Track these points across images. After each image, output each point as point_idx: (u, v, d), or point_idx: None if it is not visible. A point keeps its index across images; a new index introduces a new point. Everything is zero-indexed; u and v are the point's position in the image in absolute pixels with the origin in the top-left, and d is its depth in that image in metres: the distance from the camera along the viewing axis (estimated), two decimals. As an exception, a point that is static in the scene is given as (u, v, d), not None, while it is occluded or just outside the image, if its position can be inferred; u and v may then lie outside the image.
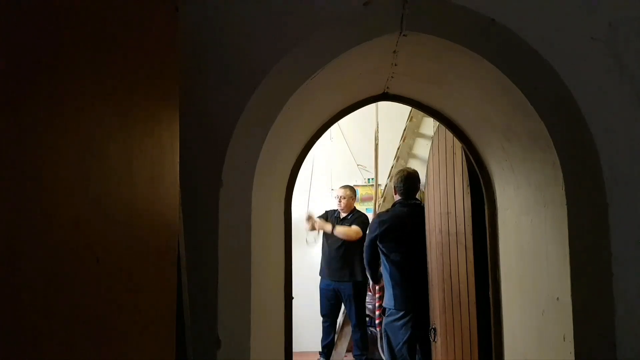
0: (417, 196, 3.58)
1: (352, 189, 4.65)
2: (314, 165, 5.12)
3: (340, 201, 4.57)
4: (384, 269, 3.50)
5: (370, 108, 4.50)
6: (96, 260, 0.77)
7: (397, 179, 3.52)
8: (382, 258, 3.47)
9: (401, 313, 3.36)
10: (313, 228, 4.62)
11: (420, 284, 3.23)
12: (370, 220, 4.29)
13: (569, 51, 1.35)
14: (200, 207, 1.40)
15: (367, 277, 4.52)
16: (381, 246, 3.42)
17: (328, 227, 4.43)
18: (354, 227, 4.36)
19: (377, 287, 4.41)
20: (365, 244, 3.63)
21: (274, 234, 1.94)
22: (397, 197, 3.55)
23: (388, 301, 3.45)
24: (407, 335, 3.34)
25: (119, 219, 0.86)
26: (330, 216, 4.71)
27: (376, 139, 4.73)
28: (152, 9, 1.03)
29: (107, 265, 0.81)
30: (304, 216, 4.61)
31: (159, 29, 1.07)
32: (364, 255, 3.66)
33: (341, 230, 4.37)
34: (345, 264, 4.41)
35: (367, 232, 3.69)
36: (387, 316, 3.47)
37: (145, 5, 1.00)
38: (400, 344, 3.36)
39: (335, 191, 4.82)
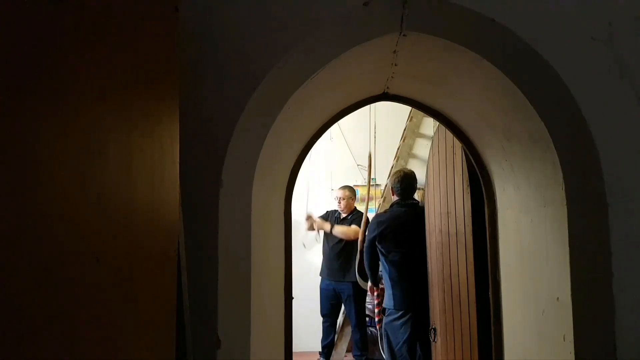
0: (416, 196, 3.58)
1: (351, 190, 4.65)
2: (314, 165, 5.10)
3: (339, 202, 4.58)
4: (383, 270, 3.51)
5: (371, 108, 4.50)
6: (96, 260, 0.77)
7: (394, 179, 3.52)
8: (381, 259, 3.47)
9: (400, 312, 3.36)
10: (312, 228, 4.62)
11: (420, 284, 3.23)
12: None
13: (569, 51, 1.35)
14: (200, 207, 1.40)
15: (366, 276, 4.53)
16: (380, 247, 3.43)
17: (327, 226, 4.45)
18: (353, 227, 4.36)
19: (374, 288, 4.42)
20: (365, 245, 3.63)
21: (274, 233, 1.94)
22: (394, 198, 3.56)
23: (387, 301, 3.45)
24: (407, 334, 3.34)
25: (118, 219, 0.86)
26: (330, 216, 4.71)
27: (373, 138, 4.69)
28: (152, 9, 1.03)
29: (107, 265, 0.81)
30: (304, 216, 4.60)
31: (159, 29, 1.07)
32: (364, 256, 3.66)
33: (340, 230, 4.39)
34: (344, 264, 4.41)
35: (366, 233, 3.69)
36: (387, 316, 3.47)
37: (145, 5, 1.00)
38: (400, 343, 3.37)
39: (334, 192, 4.82)
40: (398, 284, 3.35)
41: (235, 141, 1.42)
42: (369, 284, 3.84)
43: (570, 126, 1.40)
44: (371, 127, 4.66)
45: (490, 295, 2.11)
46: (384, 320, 3.53)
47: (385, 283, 3.47)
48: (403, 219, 3.38)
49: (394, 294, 3.37)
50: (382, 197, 4.95)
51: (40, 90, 0.65)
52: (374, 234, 3.42)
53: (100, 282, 0.79)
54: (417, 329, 3.31)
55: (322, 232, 4.68)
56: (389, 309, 3.43)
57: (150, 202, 1.00)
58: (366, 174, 5.26)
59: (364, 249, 3.64)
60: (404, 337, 3.35)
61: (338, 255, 4.44)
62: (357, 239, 4.29)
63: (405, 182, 3.46)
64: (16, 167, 0.60)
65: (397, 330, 3.38)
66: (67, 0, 0.72)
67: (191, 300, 1.33)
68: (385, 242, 3.40)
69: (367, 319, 4.65)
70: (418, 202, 3.52)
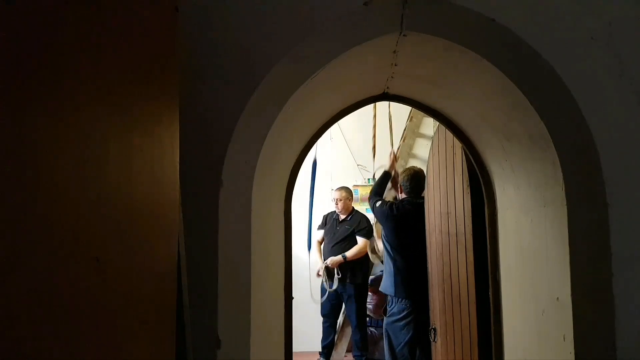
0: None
1: (348, 190, 4.66)
2: (314, 166, 5.10)
3: (337, 204, 4.58)
4: (387, 258, 3.50)
5: (370, 108, 4.49)
6: (96, 260, 0.77)
7: (404, 177, 3.52)
8: (387, 246, 3.47)
9: (404, 313, 3.36)
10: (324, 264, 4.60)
11: (422, 284, 3.23)
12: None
13: (569, 51, 1.35)
14: (200, 207, 1.40)
15: (367, 279, 4.54)
16: (385, 235, 3.43)
17: (340, 259, 4.43)
18: (361, 243, 4.39)
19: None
20: (377, 207, 3.56)
21: (274, 233, 1.94)
22: (402, 195, 3.56)
23: (388, 287, 3.43)
24: (409, 335, 3.34)
25: (119, 219, 0.86)
26: (329, 219, 4.72)
27: (391, 135, 4.59)
28: (152, 9, 1.03)
29: (107, 265, 0.81)
30: (318, 269, 4.54)
31: (159, 29, 1.07)
32: (375, 196, 3.60)
33: (352, 254, 4.39)
34: (346, 268, 4.41)
35: (377, 204, 3.59)
36: (389, 316, 3.46)
37: (145, 5, 1.00)
38: (402, 344, 3.36)
39: (332, 193, 4.82)
40: (401, 273, 3.37)
41: (235, 141, 1.42)
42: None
43: (570, 126, 1.40)
44: (387, 122, 4.57)
45: (490, 295, 2.11)
46: (385, 320, 3.52)
47: (388, 271, 3.47)
48: (411, 218, 3.38)
49: (395, 282, 3.37)
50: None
51: (40, 90, 0.65)
52: (387, 206, 3.42)
53: (100, 282, 0.79)
54: (419, 330, 3.31)
55: (326, 242, 4.69)
56: (390, 296, 3.44)
57: (150, 202, 1.00)
58: (366, 173, 5.27)
59: (375, 207, 3.57)
60: (406, 338, 3.35)
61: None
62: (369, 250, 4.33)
63: (414, 180, 3.46)
64: (16, 167, 0.60)
65: (399, 331, 3.38)
66: (68, 0, 0.72)
67: (191, 300, 1.33)
68: (393, 236, 3.41)
69: (367, 319, 4.65)
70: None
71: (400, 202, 3.57)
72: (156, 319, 1.02)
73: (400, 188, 3.57)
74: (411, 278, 3.34)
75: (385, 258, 3.53)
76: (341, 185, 4.77)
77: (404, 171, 3.65)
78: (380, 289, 3.63)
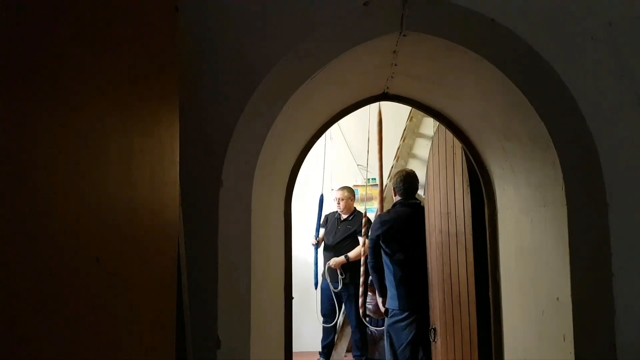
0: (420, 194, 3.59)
1: (350, 190, 4.65)
2: (313, 165, 5.09)
3: (339, 203, 4.58)
4: (386, 270, 3.49)
5: (370, 108, 4.49)
6: (96, 260, 0.77)
7: (396, 179, 3.53)
8: (385, 259, 3.46)
9: (405, 314, 3.35)
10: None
11: (424, 285, 3.23)
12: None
13: (569, 51, 1.35)
14: (200, 207, 1.40)
15: (367, 279, 4.53)
16: (384, 246, 3.42)
17: (342, 259, 4.45)
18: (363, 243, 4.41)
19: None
20: (368, 245, 3.62)
21: (274, 233, 1.94)
22: (396, 198, 3.56)
23: (392, 302, 3.43)
24: (411, 336, 3.33)
25: (119, 219, 0.86)
26: (330, 219, 4.71)
27: (380, 138, 4.62)
28: (152, 9, 1.03)
29: (107, 265, 0.81)
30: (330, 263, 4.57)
31: (158, 29, 1.07)
32: (369, 257, 3.65)
33: (355, 254, 4.41)
34: (347, 268, 4.41)
35: (369, 233, 3.68)
36: (390, 317, 3.46)
37: (145, 5, 1.00)
38: (404, 345, 3.35)
39: (333, 193, 4.82)
40: (403, 284, 3.34)
41: (235, 141, 1.42)
42: (380, 298, 3.70)
43: (570, 126, 1.40)
44: (375, 123, 4.56)
45: (490, 295, 2.11)
46: (387, 321, 3.52)
47: (389, 284, 3.46)
48: (407, 219, 3.38)
49: (398, 294, 3.36)
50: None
51: (40, 90, 0.65)
52: (378, 233, 3.42)
53: (100, 282, 0.79)
54: (421, 330, 3.30)
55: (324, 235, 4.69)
56: (393, 309, 3.42)
57: (150, 202, 1.00)
58: (366, 173, 5.26)
59: (369, 249, 3.62)
60: (408, 339, 3.34)
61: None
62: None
63: (407, 181, 3.47)
64: (16, 167, 0.60)
65: (401, 331, 3.37)
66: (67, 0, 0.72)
67: (191, 300, 1.33)
68: (390, 242, 3.39)
69: (367, 318, 4.65)
70: (420, 202, 3.52)
71: (393, 206, 3.59)
72: (156, 319, 1.02)
73: (394, 190, 3.58)
74: (413, 288, 3.32)
75: (386, 272, 3.52)
76: (341, 185, 4.77)
77: (397, 173, 3.67)
78: (386, 305, 3.61)
